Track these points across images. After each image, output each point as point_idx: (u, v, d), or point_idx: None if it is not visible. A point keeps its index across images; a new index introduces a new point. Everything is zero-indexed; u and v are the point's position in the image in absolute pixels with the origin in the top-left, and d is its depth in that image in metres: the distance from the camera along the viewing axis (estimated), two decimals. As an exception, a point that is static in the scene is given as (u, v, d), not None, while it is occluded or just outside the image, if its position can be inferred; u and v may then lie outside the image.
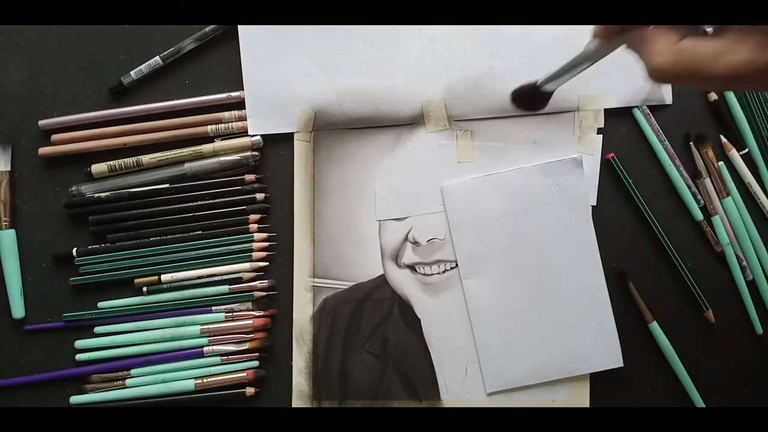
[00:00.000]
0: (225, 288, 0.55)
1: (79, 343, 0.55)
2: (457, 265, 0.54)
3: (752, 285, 0.55)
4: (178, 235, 0.55)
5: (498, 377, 0.54)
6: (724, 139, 0.54)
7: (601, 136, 0.54)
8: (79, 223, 0.56)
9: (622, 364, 0.53)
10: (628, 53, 0.36)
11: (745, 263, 0.54)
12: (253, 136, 0.55)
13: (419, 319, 0.55)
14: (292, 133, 0.55)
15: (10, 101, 0.56)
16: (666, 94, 0.54)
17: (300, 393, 0.55)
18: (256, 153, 0.55)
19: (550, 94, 0.46)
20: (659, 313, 0.54)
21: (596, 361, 0.53)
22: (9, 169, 0.56)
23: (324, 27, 0.55)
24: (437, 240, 0.54)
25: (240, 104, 0.55)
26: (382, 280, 0.55)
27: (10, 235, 0.55)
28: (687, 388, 0.54)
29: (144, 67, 0.55)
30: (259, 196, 0.55)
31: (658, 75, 0.32)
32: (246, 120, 0.55)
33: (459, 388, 0.54)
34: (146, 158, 0.55)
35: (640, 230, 0.55)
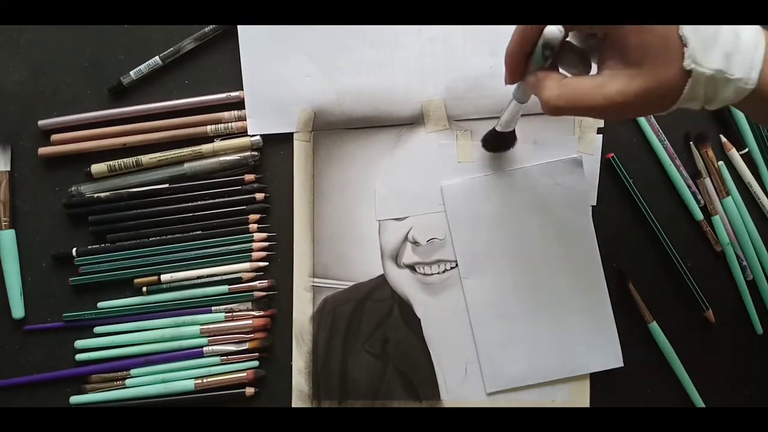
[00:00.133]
0: (225, 288, 0.55)
1: (79, 343, 0.55)
2: (457, 265, 0.54)
3: (752, 285, 0.55)
4: (178, 235, 0.55)
5: (498, 377, 0.54)
6: (724, 139, 0.54)
7: (601, 136, 0.54)
8: (79, 223, 0.56)
9: (622, 364, 0.53)
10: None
11: (745, 263, 0.54)
12: (253, 136, 0.55)
13: (419, 319, 0.55)
14: (292, 133, 0.55)
15: (10, 101, 0.56)
16: (666, 94, 0.54)
17: (300, 393, 0.55)
18: (256, 153, 0.55)
19: (512, 133, 0.51)
20: (659, 313, 0.54)
21: (596, 361, 0.53)
22: (9, 169, 0.56)
23: (324, 27, 0.55)
24: (437, 240, 0.54)
25: (240, 104, 0.55)
26: (382, 280, 0.55)
27: (10, 235, 0.55)
28: (687, 388, 0.54)
29: (144, 67, 0.55)
30: (259, 196, 0.55)
31: (548, 107, 0.39)
32: (246, 120, 0.55)
33: (459, 388, 0.54)
34: (146, 158, 0.55)
35: (640, 230, 0.55)
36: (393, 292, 0.55)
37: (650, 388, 0.54)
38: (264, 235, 0.55)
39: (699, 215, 0.54)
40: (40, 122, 0.56)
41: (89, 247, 0.55)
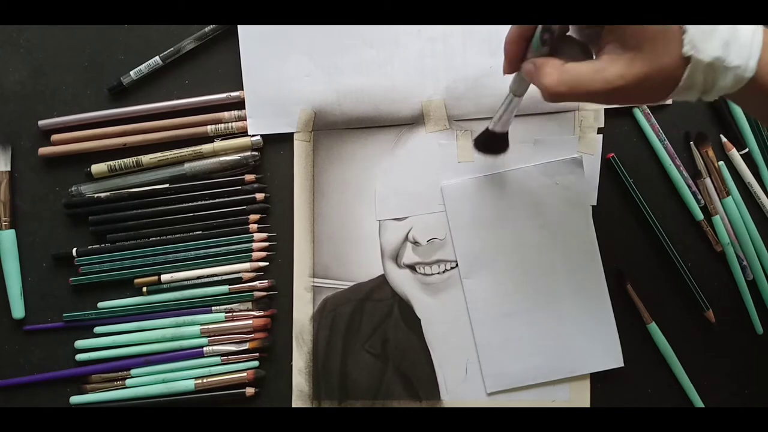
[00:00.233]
0: (225, 288, 0.55)
1: (79, 343, 0.55)
2: (457, 265, 0.54)
3: (752, 285, 0.55)
4: (178, 235, 0.55)
5: (498, 377, 0.54)
6: (724, 139, 0.54)
7: (601, 136, 0.54)
8: (79, 223, 0.56)
9: (622, 364, 0.53)
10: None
11: (745, 263, 0.54)
12: (253, 136, 0.55)
13: (419, 319, 0.55)
14: (292, 133, 0.55)
15: (10, 101, 0.56)
16: (666, 94, 0.54)
17: (300, 393, 0.55)
18: (256, 153, 0.55)
19: (505, 135, 0.50)
20: (659, 313, 0.54)
21: (596, 361, 0.53)
22: (9, 169, 0.56)
23: (324, 27, 0.55)
24: (437, 240, 0.54)
25: (240, 104, 0.55)
26: (382, 280, 0.55)
27: (10, 235, 0.55)
28: (687, 388, 0.54)
29: (144, 67, 0.55)
30: (259, 196, 0.55)
31: (548, 93, 0.39)
32: (246, 120, 0.55)
33: (459, 388, 0.54)
34: (146, 158, 0.55)
35: (640, 230, 0.55)
36: (393, 292, 0.55)
37: (650, 388, 0.54)
38: (264, 235, 0.55)
39: (699, 215, 0.54)
40: (40, 122, 0.56)
41: (89, 247, 0.55)
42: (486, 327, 0.54)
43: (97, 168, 0.55)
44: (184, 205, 0.55)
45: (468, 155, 0.55)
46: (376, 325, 0.55)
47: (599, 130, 0.54)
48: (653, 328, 0.54)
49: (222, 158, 0.55)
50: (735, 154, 0.54)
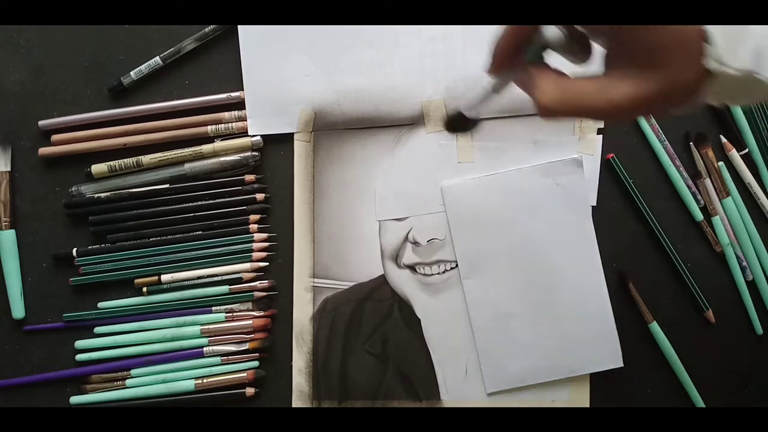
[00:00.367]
0: (225, 288, 0.55)
1: (79, 343, 0.55)
2: (457, 265, 0.54)
3: (752, 285, 0.55)
4: (179, 236, 0.55)
5: (498, 377, 0.54)
6: (724, 139, 0.54)
7: (601, 136, 0.54)
8: (79, 223, 0.56)
9: (622, 364, 0.53)
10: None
11: (745, 263, 0.54)
12: (253, 136, 0.55)
13: (419, 319, 0.55)
14: (292, 133, 0.55)
15: (10, 101, 0.56)
16: (666, 94, 0.54)
17: (300, 393, 0.55)
18: (256, 153, 0.55)
19: (475, 119, 0.48)
20: (659, 313, 0.54)
21: (596, 361, 0.53)
22: (9, 169, 0.56)
23: (324, 27, 0.55)
24: (437, 240, 0.54)
25: (240, 104, 0.55)
26: (382, 280, 0.55)
27: (10, 235, 0.55)
28: (687, 388, 0.54)
29: (144, 67, 0.55)
30: (259, 196, 0.55)
31: (546, 112, 0.34)
32: (246, 120, 0.55)
33: (459, 388, 0.54)
34: (146, 158, 0.55)
35: (640, 230, 0.55)
36: (393, 293, 0.55)
37: (650, 388, 0.54)
38: (264, 235, 0.55)
39: (699, 215, 0.54)
40: (41, 122, 0.55)
41: (90, 247, 0.55)
42: (486, 327, 0.54)
43: (98, 168, 0.55)
44: (184, 205, 0.55)
45: (468, 155, 0.55)
46: (376, 325, 0.55)
47: (599, 131, 0.54)
48: (654, 327, 0.54)
49: (222, 158, 0.55)
50: (735, 155, 0.54)
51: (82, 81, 0.56)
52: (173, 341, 0.55)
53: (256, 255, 0.55)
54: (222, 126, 0.55)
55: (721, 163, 0.54)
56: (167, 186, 0.55)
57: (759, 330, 0.55)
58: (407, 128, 0.55)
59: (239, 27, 0.55)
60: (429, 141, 0.55)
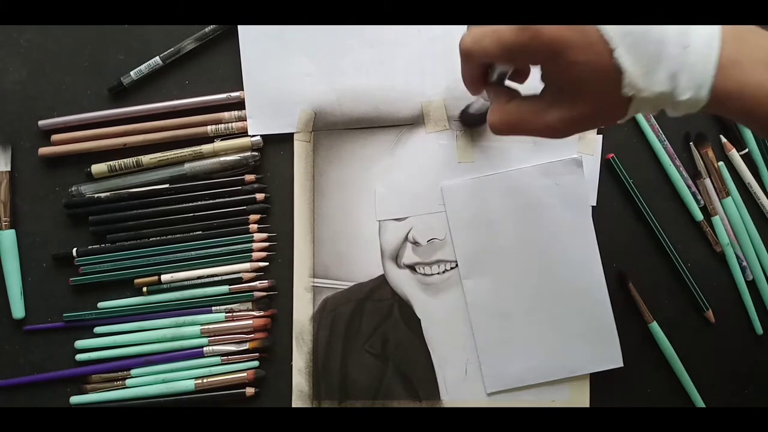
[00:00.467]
0: (225, 288, 0.55)
1: (79, 343, 0.55)
2: (457, 265, 0.54)
3: (752, 285, 0.55)
4: (178, 236, 0.55)
5: (498, 377, 0.54)
6: (724, 139, 0.54)
7: (601, 136, 0.54)
8: (79, 223, 0.56)
9: (622, 364, 0.53)
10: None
11: (745, 263, 0.54)
12: (253, 136, 0.55)
13: (419, 319, 0.55)
14: (292, 133, 0.55)
15: (10, 101, 0.56)
16: (666, 94, 0.54)
17: (300, 393, 0.55)
18: (256, 153, 0.55)
19: (483, 114, 0.51)
20: (659, 313, 0.54)
21: (596, 361, 0.53)
22: (9, 169, 0.56)
23: (324, 27, 0.55)
24: (437, 240, 0.54)
25: (240, 104, 0.55)
26: (382, 280, 0.55)
27: (10, 235, 0.55)
28: (687, 388, 0.54)
29: (144, 67, 0.55)
30: (259, 196, 0.55)
31: (493, 129, 0.39)
32: (246, 120, 0.55)
33: (459, 388, 0.54)
34: (146, 158, 0.55)
35: (640, 230, 0.55)
36: (393, 293, 0.55)
37: (650, 388, 0.54)
38: (264, 235, 0.55)
39: (699, 215, 0.54)
40: (41, 122, 0.55)
41: (89, 247, 0.55)
42: (486, 327, 0.54)
43: (97, 168, 0.55)
44: (184, 205, 0.55)
45: (468, 155, 0.55)
46: (376, 325, 0.55)
47: (599, 131, 0.54)
48: (654, 327, 0.54)
49: (222, 158, 0.55)
50: (735, 155, 0.54)
51: (82, 81, 0.56)
52: (173, 341, 0.55)
53: (256, 255, 0.55)
54: (222, 126, 0.55)
55: (721, 163, 0.54)
56: (167, 186, 0.55)
57: (759, 330, 0.55)
58: (407, 128, 0.55)
59: (239, 27, 0.55)
60: (429, 141, 0.55)
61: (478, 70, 0.40)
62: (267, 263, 0.55)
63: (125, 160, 0.55)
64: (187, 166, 0.55)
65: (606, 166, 0.54)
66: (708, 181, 0.54)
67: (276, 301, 0.56)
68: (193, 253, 0.55)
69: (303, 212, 0.55)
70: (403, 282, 0.55)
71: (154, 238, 0.55)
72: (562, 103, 0.35)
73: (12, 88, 0.56)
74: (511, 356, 0.54)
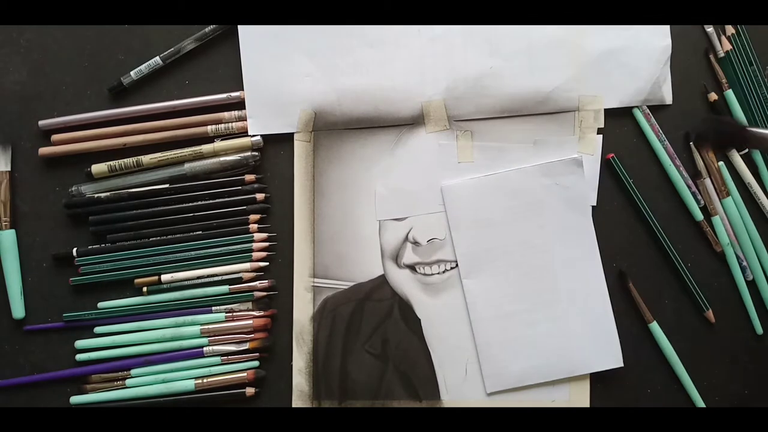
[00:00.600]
0: (225, 288, 0.55)
1: (79, 343, 0.55)
2: (457, 265, 0.54)
3: (752, 285, 0.55)
4: (178, 235, 0.55)
5: (498, 377, 0.54)
6: (724, 139, 0.54)
7: (601, 136, 0.54)
8: (79, 223, 0.56)
9: (622, 364, 0.53)
10: None
11: (745, 263, 0.54)
12: (253, 136, 0.55)
13: (419, 319, 0.55)
14: (292, 133, 0.55)
15: (10, 101, 0.56)
16: (666, 94, 0.54)
17: (300, 393, 0.55)
18: (256, 153, 0.55)
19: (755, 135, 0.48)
20: (659, 313, 0.54)
21: (596, 361, 0.53)
22: (9, 169, 0.56)
23: (324, 27, 0.55)
24: (437, 240, 0.54)
25: (240, 104, 0.55)
26: (382, 280, 0.55)
27: (10, 235, 0.55)
28: (687, 388, 0.54)
29: (144, 67, 0.55)
30: (259, 196, 0.55)
31: None
32: (246, 120, 0.55)
33: (459, 388, 0.54)
34: (146, 158, 0.55)
35: (640, 230, 0.55)
36: (393, 293, 0.55)
37: (650, 388, 0.54)
38: (264, 235, 0.55)
39: (699, 215, 0.54)
40: (41, 122, 0.56)
41: (89, 247, 0.55)
42: (486, 327, 0.54)
43: (97, 168, 0.55)
44: (184, 205, 0.55)
45: (468, 155, 0.55)
46: (376, 325, 0.55)
47: (599, 131, 0.54)
48: (654, 327, 0.54)
49: (222, 158, 0.55)
50: (735, 155, 0.54)
51: (82, 81, 0.56)
52: (173, 341, 0.55)
53: (256, 255, 0.55)
54: (222, 126, 0.55)
55: (721, 163, 0.54)
56: (167, 186, 0.55)
57: (759, 330, 0.55)
58: (407, 128, 0.55)
59: (239, 27, 0.55)
60: (429, 141, 0.55)
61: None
62: (267, 263, 0.55)
63: (125, 160, 0.55)
64: (187, 166, 0.55)
65: (606, 166, 0.54)
66: (708, 181, 0.54)
67: (276, 301, 0.56)
68: (193, 253, 0.55)
69: (303, 212, 0.55)
70: (403, 282, 0.55)
71: (154, 238, 0.55)
72: None
73: (12, 88, 0.56)
74: (511, 356, 0.54)
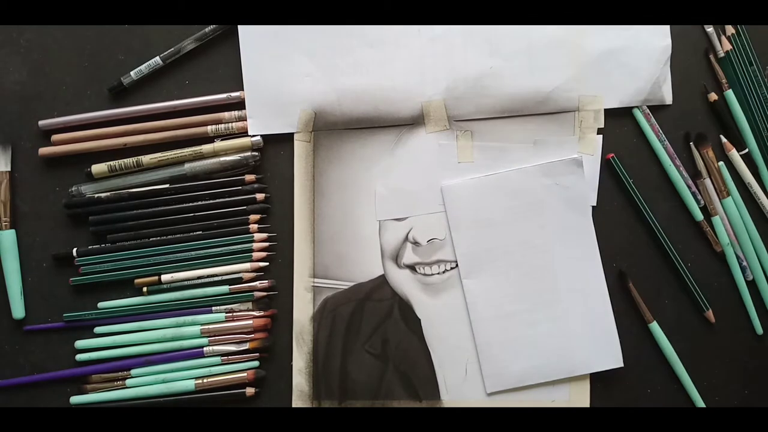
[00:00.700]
0: (225, 288, 0.55)
1: (79, 343, 0.55)
2: (457, 265, 0.54)
3: (752, 285, 0.55)
4: (179, 235, 0.55)
5: (498, 377, 0.54)
6: (724, 139, 0.54)
7: (601, 136, 0.54)
8: (79, 223, 0.56)
9: (622, 364, 0.53)
10: None
11: (745, 263, 0.54)
12: (253, 136, 0.55)
13: (419, 319, 0.55)
14: (292, 133, 0.55)
15: (10, 101, 0.56)
16: (666, 94, 0.54)
17: (300, 393, 0.55)
18: (256, 153, 0.55)
19: None
20: (659, 313, 0.54)
21: (596, 361, 0.53)
22: (9, 169, 0.56)
23: (324, 27, 0.55)
24: (437, 240, 0.54)
25: (240, 104, 0.55)
26: (382, 280, 0.55)
27: (10, 235, 0.55)
28: (687, 388, 0.54)
29: (144, 67, 0.55)
30: (259, 196, 0.55)
31: None
32: (246, 120, 0.55)
33: (459, 388, 0.54)
34: (146, 158, 0.55)
35: (640, 230, 0.55)
36: (393, 293, 0.55)
37: (650, 388, 0.54)
38: (264, 235, 0.55)
39: (699, 215, 0.54)
40: (41, 122, 0.56)
41: (90, 247, 0.55)
42: (486, 327, 0.54)
43: (98, 168, 0.55)
44: (184, 205, 0.55)
45: (468, 155, 0.55)
46: (376, 325, 0.55)
47: (599, 131, 0.54)
48: (654, 327, 0.54)
49: (222, 158, 0.55)
50: (735, 155, 0.54)
51: (82, 81, 0.56)
52: (173, 341, 0.55)
53: (256, 255, 0.55)
54: (222, 126, 0.55)
55: (721, 163, 0.54)
56: (167, 186, 0.55)
57: (759, 330, 0.55)
58: (407, 128, 0.55)
59: (239, 27, 0.55)
60: (429, 141, 0.55)
61: None
62: (267, 263, 0.55)
63: (125, 160, 0.55)
64: (187, 166, 0.55)
65: (606, 166, 0.54)
66: (708, 181, 0.54)
67: (276, 301, 0.56)
68: (193, 253, 0.55)
69: (303, 212, 0.55)
70: (403, 282, 0.55)
71: (154, 238, 0.55)
72: None
73: (12, 88, 0.56)
74: (511, 356, 0.54)
